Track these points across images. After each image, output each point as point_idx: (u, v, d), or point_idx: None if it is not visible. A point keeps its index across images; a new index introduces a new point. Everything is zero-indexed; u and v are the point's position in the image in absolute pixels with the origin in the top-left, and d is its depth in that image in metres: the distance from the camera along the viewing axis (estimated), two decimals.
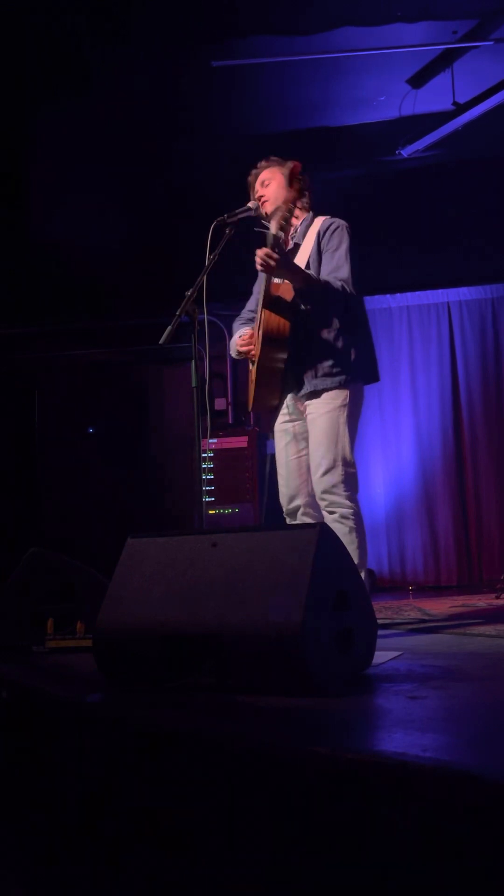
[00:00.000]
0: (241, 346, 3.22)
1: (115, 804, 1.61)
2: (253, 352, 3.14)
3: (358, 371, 3.06)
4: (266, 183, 3.20)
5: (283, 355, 3.02)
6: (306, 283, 2.94)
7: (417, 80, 5.35)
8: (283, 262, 2.89)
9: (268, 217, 3.17)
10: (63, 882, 1.72)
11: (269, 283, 2.98)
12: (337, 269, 3.01)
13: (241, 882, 1.31)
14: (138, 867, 1.51)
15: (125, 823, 1.57)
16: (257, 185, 3.22)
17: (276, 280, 3.01)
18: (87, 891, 1.64)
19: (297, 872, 1.22)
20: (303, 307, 3.01)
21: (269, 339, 3.00)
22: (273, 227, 2.92)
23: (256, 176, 3.24)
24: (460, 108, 5.37)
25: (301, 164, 3.15)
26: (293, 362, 3.03)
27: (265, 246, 2.90)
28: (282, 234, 2.96)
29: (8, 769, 2.03)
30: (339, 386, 3.00)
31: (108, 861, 1.60)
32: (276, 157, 3.24)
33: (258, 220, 3.18)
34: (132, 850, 1.53)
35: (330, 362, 3.00)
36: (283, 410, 3.15)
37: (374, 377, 3.17)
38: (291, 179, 3.06)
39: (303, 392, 3.04)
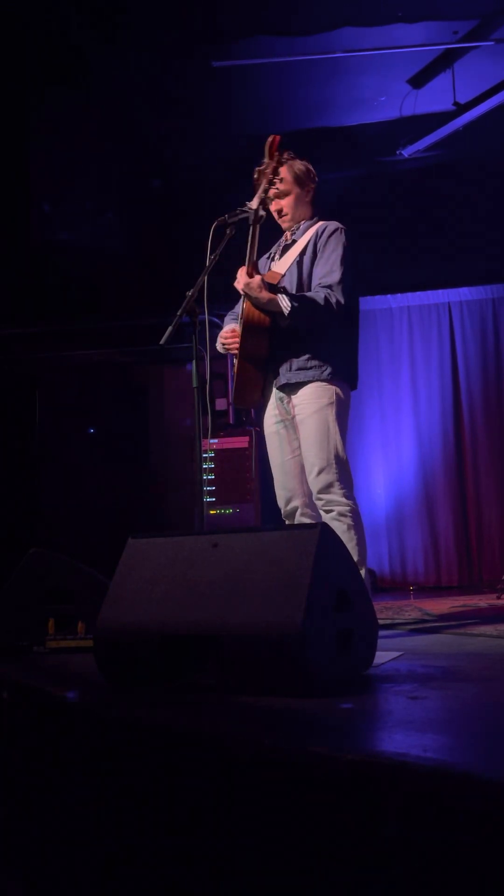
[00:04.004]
0: (226, 338, 3.16)
1: (114, 804, 1.61)
2: (236, 346, 3.12)
3: (338, 369, 3.02)
4: (285, 190, 3.13)
5: (264, 343, 3.01)
6: (280, 314, 2.91)
7: (418, 81, 5.35)
8: (258, 299, 2.92)
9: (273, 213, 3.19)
10: (63, 882, 1.72)
11: (252, 257, 3.01)
12: (328, 274, 2.97)
13: (241, 882, 1.31)
14: (138, 867, 1.51)
15: (125, 823, 1.57)
16: (270, 190, 3.11)
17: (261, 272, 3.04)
18: (87, 891, 1.64)
19: (298, 873, 1.22)
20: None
21: (250, 328, 3.00)
22: (255, 206, 2.96)
23: (270, 166, 3.11)
24: (461, 109, 5.37)
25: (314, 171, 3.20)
26: (272, 354, 3.03)
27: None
28: (262, 213, 2.99)
29: (8, 769, 2.03)
30: (320, 380, 2.98)
31: (108, 861, 1.59)
32: (291, 152, 3.17)
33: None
34: (132, 850, 1.53)
35: (306, 356, 3.00)
36: (272, 412, 3.14)
37: (353, 383, 3.13)
38: (304, 185, 3.14)
39: (279, 385, 3.05)
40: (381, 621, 3.09)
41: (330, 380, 2.99)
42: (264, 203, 3.04)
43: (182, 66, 5.03)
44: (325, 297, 2.91)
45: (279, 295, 2.92)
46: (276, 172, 3.04)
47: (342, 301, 2.93)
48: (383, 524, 6.55)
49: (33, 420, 6.59)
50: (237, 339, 3.10)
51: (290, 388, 3.05)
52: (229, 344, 3.15)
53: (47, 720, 1.89)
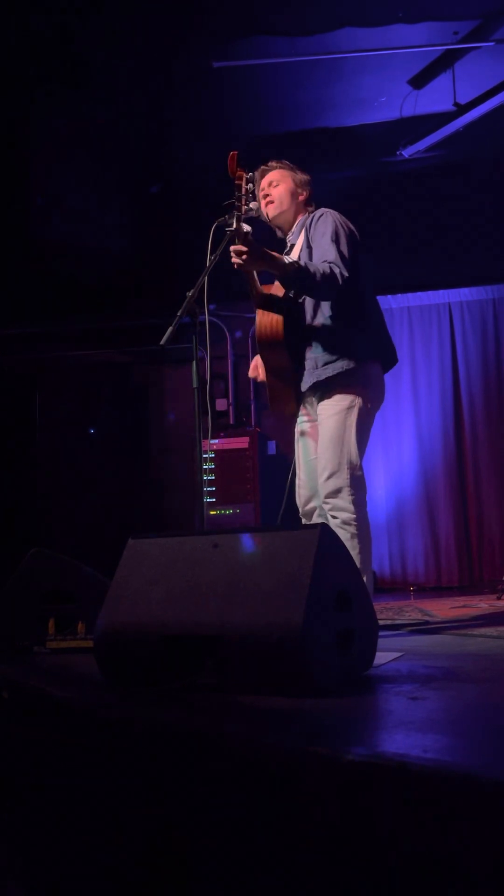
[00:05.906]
0: (251, 374, 3.24)
1: (114, 804, 1.61)
2: (260, 377, 3.16)
3: (362, 355, 2.97)
4: (274, 184, 3.16)
5: (284, 355, 3.00)
6: (283, 269, 2.81)
7: (418, 81, 5.35)
8: (255, 253, 2.77)
9: (269, 220, 3.18)
10: (63, 882, 1.71)
11: (254, 282, 2.94)
12: (323, 254, 2.91)
13: (242, 881, 1.31)
14: (139, 867, 1.51)
15: (125, 823, 1.56)
16: (264, 184, 3.18)
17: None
18: (87, 891, 1.64)
19: (298, 873, 1.22)
20: (295, 299, 2.97)
21: (265, 344, 3.00)
22: (235, 225, 2.81)
23: (265, 173, 3.19)
24: (461, 109, 5.38)
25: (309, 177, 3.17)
26: (296, 361, 3.02)
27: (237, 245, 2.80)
28: (247, 228, 2.81)
29: (8, 769, 2.03)
30: (346, 384, 2.94)
31: (108, 860, 1.59)
32: (288, 161, 3.20)
33: (259, 221, 3.18)
34: (132, 850, 1.53)
35: (328, 351, 2.96)
36: (302, 410, 3.13)
37: (388, 361, 3.11)
38: (298, 191, 3.10)
39: (308, 386, 3.01)
40: (381, 621, 3.09)
41: (352, 385, 2.95)
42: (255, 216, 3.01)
43: (182, 67, 5.03)
44: (330, 265, 2.83)
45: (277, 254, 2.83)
46: (248, 191, 2.87)
47: (346, 273, 2.84)
48: (384, 525, 6.55)
49: (33, 420, 6.59)
50: (261, 369, 3.13)
51: (315, 389, 3.02)
52: (258, 376, 3.19)
53: (47, 720, 1.89)
